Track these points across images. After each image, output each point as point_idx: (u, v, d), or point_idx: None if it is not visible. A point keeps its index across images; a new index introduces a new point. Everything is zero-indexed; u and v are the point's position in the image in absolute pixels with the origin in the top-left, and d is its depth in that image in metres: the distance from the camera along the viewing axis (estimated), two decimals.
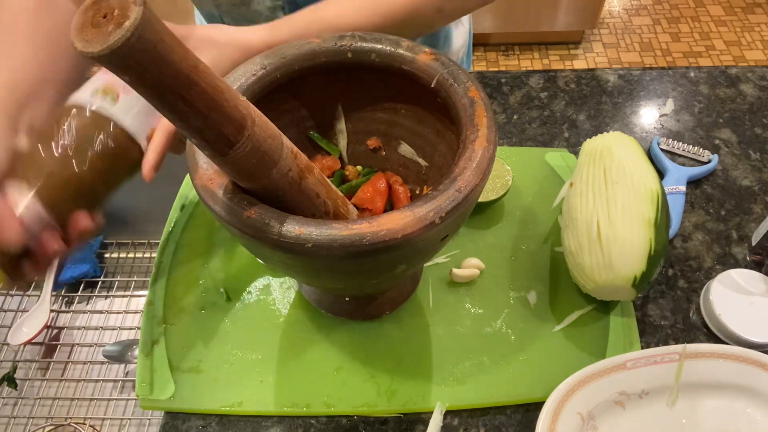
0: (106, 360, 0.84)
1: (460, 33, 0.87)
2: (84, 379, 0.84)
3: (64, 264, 0.91)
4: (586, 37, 2.41)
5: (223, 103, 0.33)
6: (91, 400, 0.83)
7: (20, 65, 0.52)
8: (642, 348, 0.58)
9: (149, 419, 0.81)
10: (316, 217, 0.44)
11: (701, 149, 0.74)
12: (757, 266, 0.64)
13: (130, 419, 0.81)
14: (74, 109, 0.49)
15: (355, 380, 0.57)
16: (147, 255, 0.98)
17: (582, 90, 0.82)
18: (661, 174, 0.72)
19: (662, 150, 0.74)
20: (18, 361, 0.86)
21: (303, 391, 0.56)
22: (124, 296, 0.92)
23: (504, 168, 0.67)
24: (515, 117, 0.79)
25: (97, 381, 0.84)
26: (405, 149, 0.56)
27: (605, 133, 0.66)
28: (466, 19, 0.90)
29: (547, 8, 2.19)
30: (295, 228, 0.38)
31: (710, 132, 0.77)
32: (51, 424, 0.80)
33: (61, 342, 0.88)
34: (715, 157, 0.73)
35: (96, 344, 0.87)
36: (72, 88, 0.51)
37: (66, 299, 0.92)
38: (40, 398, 0.83)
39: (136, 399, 0.80)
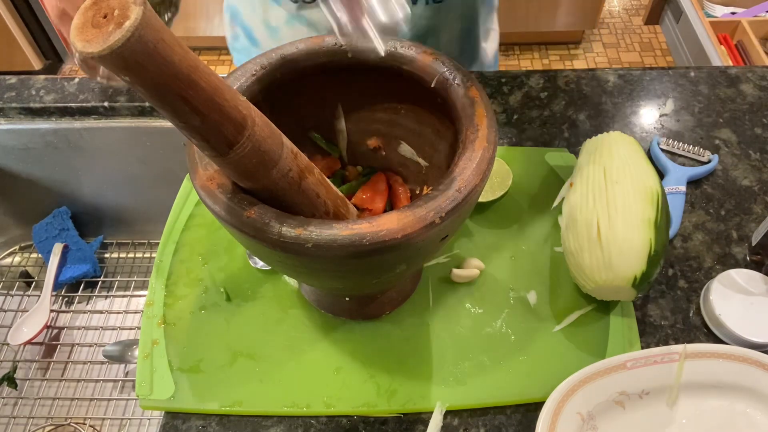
0: (106, 360, 0.84)
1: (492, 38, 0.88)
2: (84, 379, 0.84)
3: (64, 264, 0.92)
4: (586, 37, 2.41)
5: (223, 103, 0.33)
6: (91, 400, 0.83)
7: None
8: (642, 348, 0.58)
9: (149, 419, 0.81)
10: (316, 217, 0.44)
11: (701, 149, 0.74)
12: (757, 266, 0.64)
13: (130, 419, 0.81)
14: None
15: (355, 380, 0.57)
16: (147, 255, 0.98)
17: (582, 90, 0.82)
18: (661, 174, 0.72)
19: (662, 150, 0.74)
20: (18, 361, 0.86)
21: (303, 391, 0.56)
22: (124, 296, 0.92)
23: (504, 168, 0.67)
24: (515, 117, 0.79)
25: (97, 381, 0.84)
26: (405, 149, 0.56)
27: (605, 133, 0.66)
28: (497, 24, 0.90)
29: (547, 8, 2.19)
30: (295, 228, 0.38)
31: (710, 132, 0.77)
32: (51, 424, 0.80)
33: (61, 342, 0.88)
34: (715, 157, 0.73)
35: (96, 344, 0.87)
36: None
37: (66, 299, 0.92)
38: (40, 398, 0.83)
39: (136, 399, 0.80)
